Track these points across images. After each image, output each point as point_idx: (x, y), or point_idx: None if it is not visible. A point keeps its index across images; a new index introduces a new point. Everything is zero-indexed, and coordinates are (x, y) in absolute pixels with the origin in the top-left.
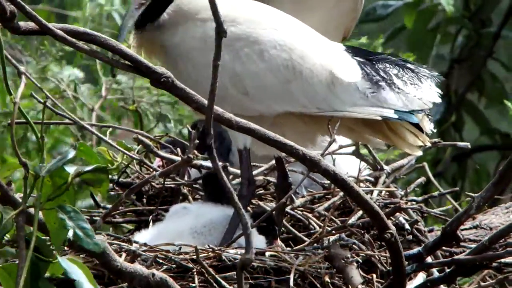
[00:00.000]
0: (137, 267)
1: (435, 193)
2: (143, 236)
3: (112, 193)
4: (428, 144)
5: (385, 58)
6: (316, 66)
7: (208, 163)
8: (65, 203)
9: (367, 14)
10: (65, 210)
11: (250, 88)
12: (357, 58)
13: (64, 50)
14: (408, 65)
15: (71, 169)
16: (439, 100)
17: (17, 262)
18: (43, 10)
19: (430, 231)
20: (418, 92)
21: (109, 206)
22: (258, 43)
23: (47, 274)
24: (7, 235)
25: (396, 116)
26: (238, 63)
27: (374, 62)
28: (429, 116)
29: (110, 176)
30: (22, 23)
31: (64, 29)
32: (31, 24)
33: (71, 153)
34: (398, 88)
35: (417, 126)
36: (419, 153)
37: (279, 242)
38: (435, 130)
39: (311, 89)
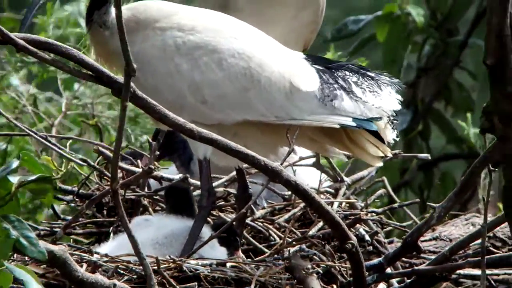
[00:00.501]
0: (99, 277)
1: (395, 205)
2: (104, 247)
3: (72, 204)
4: (390, 155)
5: (344, 66)
6: (275, 74)
7: (168, 175)
8: (9, 213)
9: (339, 31)
10: (9, 220)
11: (208, 97)
12: (316, 66)
13: (24, 61)
14: (368, 73)
15: (14, 179)
16: (399, 107)
17: None
18: (9, 18)
19: (390, 242)
20: (377, 99)
21: (70, 217)
22: (217, 51)
23: None
24: None
25: (354, 124)
26: (197, 72)
27: (333, 70)
28: (393, 123)
29: (70, 188)
30: None
31: (26, 39)
32: None
33: (15, 163)
34: (357, 96)
35: (378, 136)
36: (380, 164)
37: (240, 253)
38: (398, 139)
39: (269, 98)
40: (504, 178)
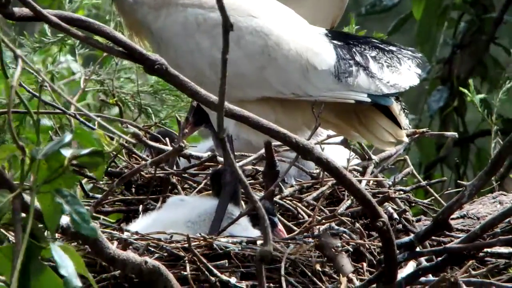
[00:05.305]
0: (130, 254)
1: (423, 183)
2: (137, 225)
3: (101, 182)
4: (406, 140)
5: (365, 41)
6: (291, 52)
7: (197, 153)
8: (61, 187)
9: (373, 6)
10: (62, 194)
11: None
12: (335, 42)
13: (43, 41)
14: (390, 47)
15: (67, 153)
16: (417, 81)
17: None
18: None
19: (418, 220)
20: (394, 75)
21: (98, 196)
22: (236, 29)
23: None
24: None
25: (369, 100)
26: (216, 50)
27: (351, 46)
28: (405, 111)
29: None
30: (16, 9)
31: (58, 16)
32: (25, 10)
33: (68, 137)
34: (373, 72)
35: (394, 120)
36: (391, 148)
37: (281, 228)
38: (410, 126)
39: (286, 75)
40: None
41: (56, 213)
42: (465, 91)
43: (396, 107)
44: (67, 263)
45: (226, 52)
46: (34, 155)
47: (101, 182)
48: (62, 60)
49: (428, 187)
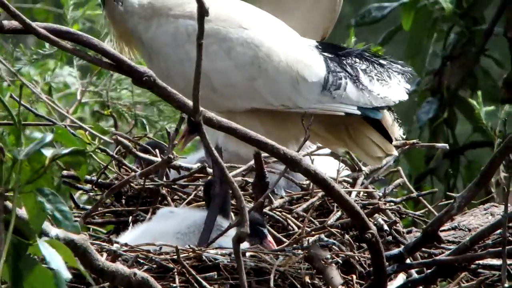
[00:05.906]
0: (119, 266)
1: (414, 194)
2: (127, 236)
3: (91, 193)
4: (395, 153)
5: (355, 53)
6: (282, 64)
7: (186, 164)
8: (43, 187)
9: (362, 17)
10: (43, 193)
11: (217, 85)
12: (325, 54)
13: (39, 53)
14: (380, 60)
15: (48, 153)
16: (406, 97)
17: None
18: (41, 10)
19: (409, 232)
20: (384, 88)
21: (88, 207)
22: (226, 40)
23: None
24: None
25: (359, 112)
26: (206, 60)
27: (342, 58)
28: (399, 121)
29: (88, 177)
30: (5, 22)
31: (47, 28)
32: (14, 23)
33: (49, 137)
34: (362, 85)
35: (384, 134)
36: (378, 163)
37: (270, 239)
38: (404, 136)
39: (276, 87)
40: None
41: (40, 212)
42: (474, 102)
43: (389, 118)
44: (55, 257)
45: (201, 38)
46: (16, 155)
47: (91, 194)
48: (59, 73)
49: (421, 198)
